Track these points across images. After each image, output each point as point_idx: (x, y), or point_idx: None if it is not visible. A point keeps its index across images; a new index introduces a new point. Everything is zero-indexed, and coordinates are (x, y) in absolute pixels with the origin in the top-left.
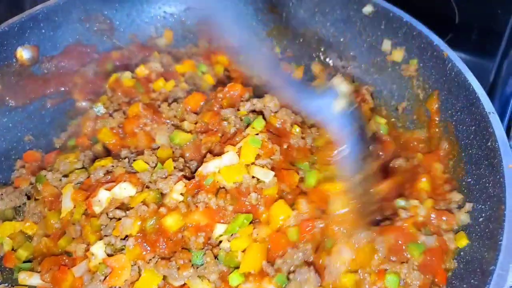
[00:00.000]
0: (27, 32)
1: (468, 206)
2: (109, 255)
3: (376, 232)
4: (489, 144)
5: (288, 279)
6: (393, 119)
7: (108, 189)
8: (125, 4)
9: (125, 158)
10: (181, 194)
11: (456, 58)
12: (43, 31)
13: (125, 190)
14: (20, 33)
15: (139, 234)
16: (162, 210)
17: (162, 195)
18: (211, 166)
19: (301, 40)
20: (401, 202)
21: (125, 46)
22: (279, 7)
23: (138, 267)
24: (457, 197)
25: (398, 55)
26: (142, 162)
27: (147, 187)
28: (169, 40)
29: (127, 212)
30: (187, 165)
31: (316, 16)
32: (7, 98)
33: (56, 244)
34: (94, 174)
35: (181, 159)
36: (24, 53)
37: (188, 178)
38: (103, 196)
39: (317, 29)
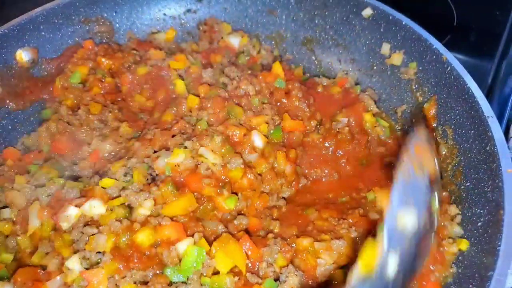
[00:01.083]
0: (26, 34)
1: (458, 218)
2: (86, 269)
3: (350, 224)
4: (488, 148)
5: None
6: (392, 122)
7: (78, 206)
8: (125, 6)
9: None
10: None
11: (455, 61)
12: (43, 33)
13: (94, 208)
14: (19, 35)
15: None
16: (136, 225)
17: (131, 208)
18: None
19: (300, 43)
20: (371, 195)
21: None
22: (279, 10)
23: (116, 283)
24: (453, 211)
25: (397, 58)
26: (109, 180)
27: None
28: (171, 37)
29: (100, 227)
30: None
31: (315, 19)
32: (7, 101)
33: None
34: (67, 191)
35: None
36: (23, 55)
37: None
38: (72, 213)
39: (316, 32)
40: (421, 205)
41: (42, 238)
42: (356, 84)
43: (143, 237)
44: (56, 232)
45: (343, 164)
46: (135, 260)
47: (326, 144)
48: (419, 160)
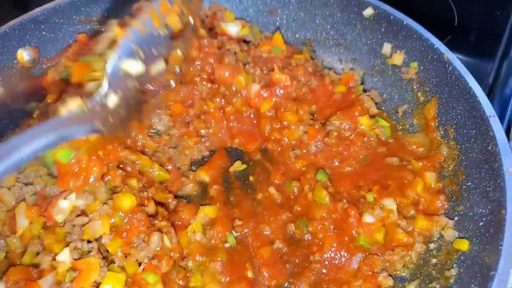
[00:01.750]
0: (27, 34)
1: (451, 223)
2: (75, 260)
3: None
4: (489, 148)
5: None
6: (393, 122)
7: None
8: (126, 6)
9: None
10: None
11: (456, 61)
12: (44, 32)
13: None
14: (20, 35)
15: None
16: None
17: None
18: None
19: (301, 43)
20: (369, 196)
21: None
22: (279, 10)
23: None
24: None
25: (398, 58)
26: None
27: None
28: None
29: (90, 215)
30: None
31: (316, 18)
32: (8, 100)
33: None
34: (50, 188)
35: None
36: (24, 55)
37: None
38: (64, 205)
39: (317, 32)
40: (154, 56)
41: (32, 237)
42: (361, 83)
43: (127, 202)
44: (46, 230)
45: (336, 163)
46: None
47: (319, 145)
48: (162, 17)
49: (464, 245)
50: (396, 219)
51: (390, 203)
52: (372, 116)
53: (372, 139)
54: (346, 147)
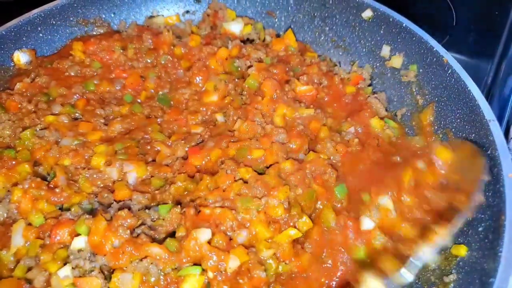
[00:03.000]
0: (24, 36)
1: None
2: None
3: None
4: (488, 152)
5: None
6: None
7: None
8: (123, 7)
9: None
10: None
11: (456, 64)
12: (41, 34)
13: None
14: (17, 37)
15: None
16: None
17: None
18: None
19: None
20: (365, 197)
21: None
22: (278, 12)
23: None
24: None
25: (397, 61)
26: None
27: None
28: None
29: None
30: None
31: (315, 20)
32: None
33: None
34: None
35: None
36: (21, 57)
37: None
38: (81, 243)
39: (315, 33)
40: None
41: (28, 255)
42: (370, 85)
43: None
44: (43, 248)
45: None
46: None
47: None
48: None
49: (462, 251)
50: (394, 216)
51: (385, 201)
52: (380, 118)
53: (384, 139)
54: (365, 151)
